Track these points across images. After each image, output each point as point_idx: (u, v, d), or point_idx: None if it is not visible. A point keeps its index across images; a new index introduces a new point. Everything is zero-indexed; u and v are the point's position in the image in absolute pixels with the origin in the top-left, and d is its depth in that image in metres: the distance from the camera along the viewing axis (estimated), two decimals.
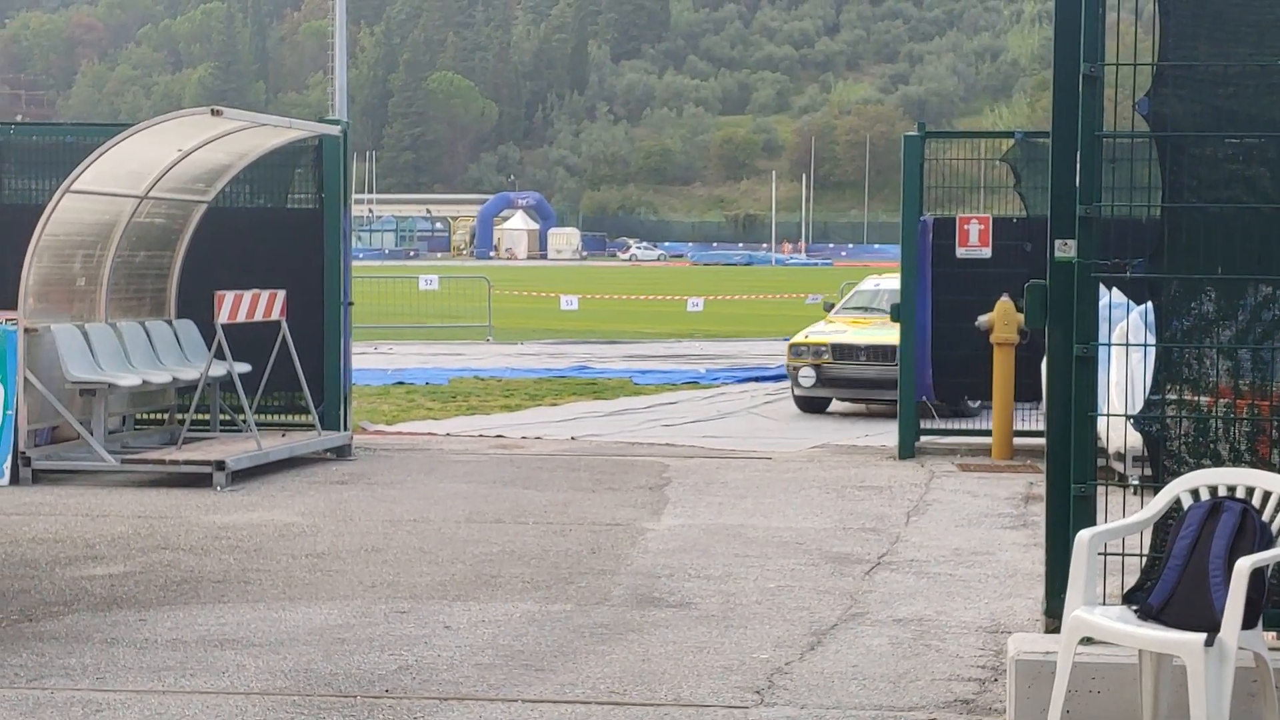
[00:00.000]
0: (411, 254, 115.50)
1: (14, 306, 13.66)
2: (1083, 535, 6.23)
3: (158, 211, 15.13)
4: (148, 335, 15.02)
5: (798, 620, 8.91)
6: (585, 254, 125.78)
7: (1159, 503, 6.32)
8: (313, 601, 9.15)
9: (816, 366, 19.45)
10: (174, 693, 7.18)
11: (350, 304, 15.89)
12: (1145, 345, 6.68)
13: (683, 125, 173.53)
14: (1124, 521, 6.36)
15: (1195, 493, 6.26)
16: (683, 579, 9.98)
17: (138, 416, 15.66)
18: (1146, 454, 6.61)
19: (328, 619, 8.71)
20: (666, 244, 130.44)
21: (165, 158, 14.41)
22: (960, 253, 15.93)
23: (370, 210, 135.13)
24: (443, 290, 35.91)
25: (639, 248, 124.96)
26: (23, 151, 15.98)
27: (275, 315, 14.56)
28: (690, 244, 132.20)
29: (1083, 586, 6.17)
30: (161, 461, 13.74)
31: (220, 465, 13.44)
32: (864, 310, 20.82)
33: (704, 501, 12.96)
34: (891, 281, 19.40)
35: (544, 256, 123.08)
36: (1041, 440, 12.87)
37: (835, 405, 20.72)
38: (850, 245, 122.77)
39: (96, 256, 14.61)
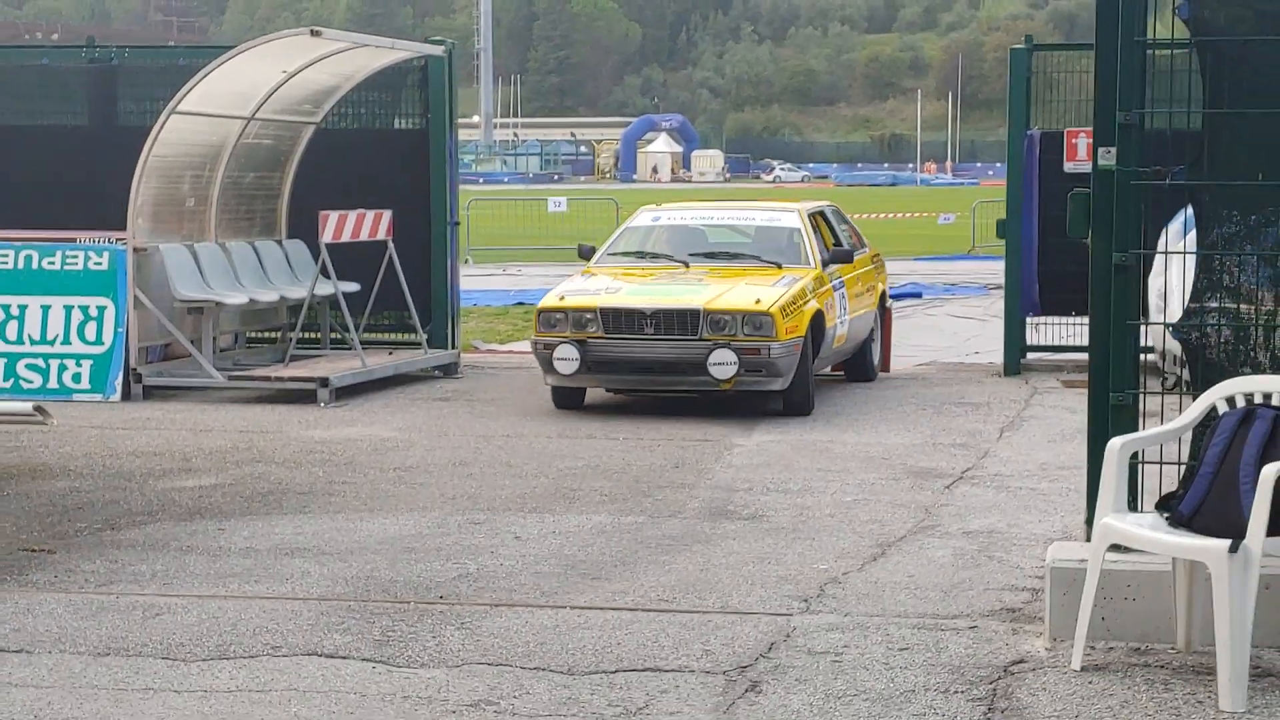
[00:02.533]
0: (556, 178, 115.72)
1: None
2: (1113, 443, 6.21)
3: (266, 133, 15.37)
4: (257, 255, 15.30)
5: (866, 533, 8.95)
6: (729, 176, 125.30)
7: (1194, 411, 6.28)
8: (391, 513, 9.34)
9: (580, 343, 12.74)
10: (234, 597, 7.39)
11: (456, 224, 16.06)
12: (1184, 253, 6.61)
13: (828, 44, 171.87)
14: (1157, 430, 6.33)
15: (1231, 400, 6.21)
16: (760, 493, 10.06)
17: (251, 335, 15.99)
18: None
19: (401, 529, 8.90)
20: (810, 165, 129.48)
21: (270, 79, 14.62)
22: (1068, 167, 15.70)
23: (515, 134, 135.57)
24: (571, 212, 36.06)
25: (783, 169, 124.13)
26: (136, 74, 16.30)
27: (381, 235, 14.76)
28: (835, 165, 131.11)
29: (1113, 494, 6.16)
30: (267, 378, 14.04)
31: (324, 382, 13.69)
32: (639, 257, 14.29)
33: (798, 418, 13.00)
34: (676, 214, 14.93)
35: (688, 179, 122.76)
36: (1150, 355, 12.82)
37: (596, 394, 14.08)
38: (998, 164, 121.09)
39: (205, 177, 14.88)
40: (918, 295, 25.45)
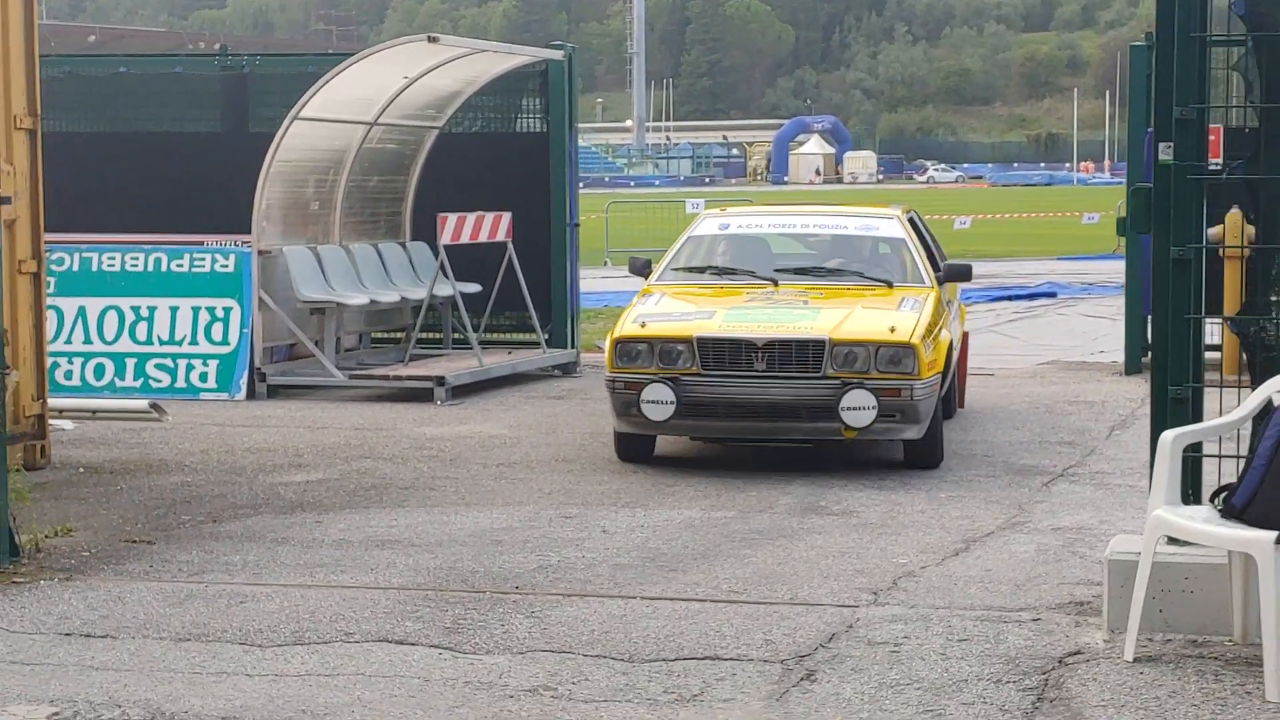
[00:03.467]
0: (708, 180, 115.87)
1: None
2: (1166, 435, 6.23)
3: (389, 137, 15.69)
4: (380, 257, 15.62)
5: (954, 529, 9.00)
6: (882, 177, 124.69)
7: (1250, 403, 6.29)
8: (486, 507, 9.55)
9: (673, 381, 10.34)
10: (318, 586, 7.63)
11: (576, 225, 16.27)
12: (1242, 247, 6.60)
13: (983, 44, 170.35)
14: (1212, 423, 6.33)
15: None
16: (855, 489, 10.13)
17: (376, 335, 16.32)
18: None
19: (493, 523, 9.10)
20: (965, 165, 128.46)
21: (392, 85, 14.93)
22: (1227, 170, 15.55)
23: (668, 138, 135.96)
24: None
25: (936, 169, 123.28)
26: (267, 82, 16.71)
27: (501, 236, 15.00)
28: (989, 165, 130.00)
29: (1165, 486, 6.18)
30: (386, 377, 14.34)
31: (440, 381, 13.96)
32: (712, 273, 11.83)
33: None
34: (750, 220, 12.54)
35: (840, 180, 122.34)
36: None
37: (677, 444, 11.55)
38: None
39: (330, 181, 15.23)
40: (1052, 295, 25.27)
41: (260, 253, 14.22)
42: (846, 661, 6.48)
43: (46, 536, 8.47)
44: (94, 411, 12.15)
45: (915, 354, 10.36)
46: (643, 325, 10.64)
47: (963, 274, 12.22)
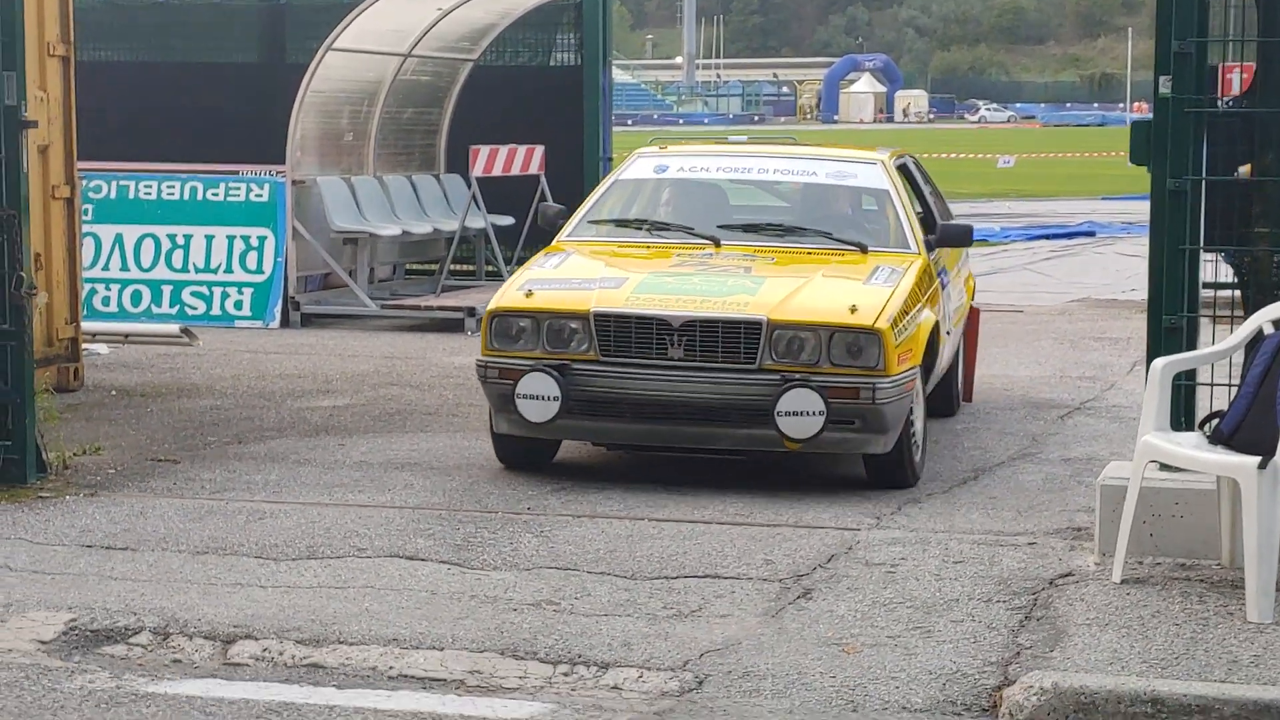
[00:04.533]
0: (757, 119, 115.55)
1: None
2: (1156, 363, 6.36)
3: (424, 69, 15.83)
4: (414, 189, 15.78)
5: (966, 459, 9.13)
6: (933, 116, 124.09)
7: (1241, 333, 6.40)
8: None
9: (559, 369, 8.12)
10: (335, 505, 7.83)
11: (609, 159, 16.38)
12: (1237, 179, 6.70)
13: None
14: (1201, 351, 6.45)
15: (1277, 323, 6.31)
16: None
17: (410, 267, 16.50)
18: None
19: None
20: (1017, 105, 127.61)
21: (426, 17, 15.06)
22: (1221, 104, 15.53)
23: (718, 75, 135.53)
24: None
25: (988, 109, 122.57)
26: (303, 13, 16.85)
27: (533, 169, 15.13)
28: (1042, 105, 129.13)
29: (1154, 413, 6.30)
30: (417, 307, 14.53)
31: (471, 311, 14.13)
32: (637, 228, 9.41)
33: None
34: (694, 162, 9.80)
35: (890, 119, 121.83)
36: None
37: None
38: None
39: (364, 113, 15.39)
40: (1091, 234, 25.27)
41: (295, 183, 14.39)
42: (843, 581, 6.64)
43: (74, 455, 8.69)
44: (126, 335, 12.37)
45: (881, 342, 7.97)
46: (528, 294, 8.29)
47: (960, 237, 9.50)
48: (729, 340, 8.08)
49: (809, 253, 9.06)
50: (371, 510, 7.72)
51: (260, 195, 14.57)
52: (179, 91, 16.57)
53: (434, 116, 16.26)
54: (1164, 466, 6.46)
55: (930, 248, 9.27)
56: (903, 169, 10.02)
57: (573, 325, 8.20)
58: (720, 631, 6.05)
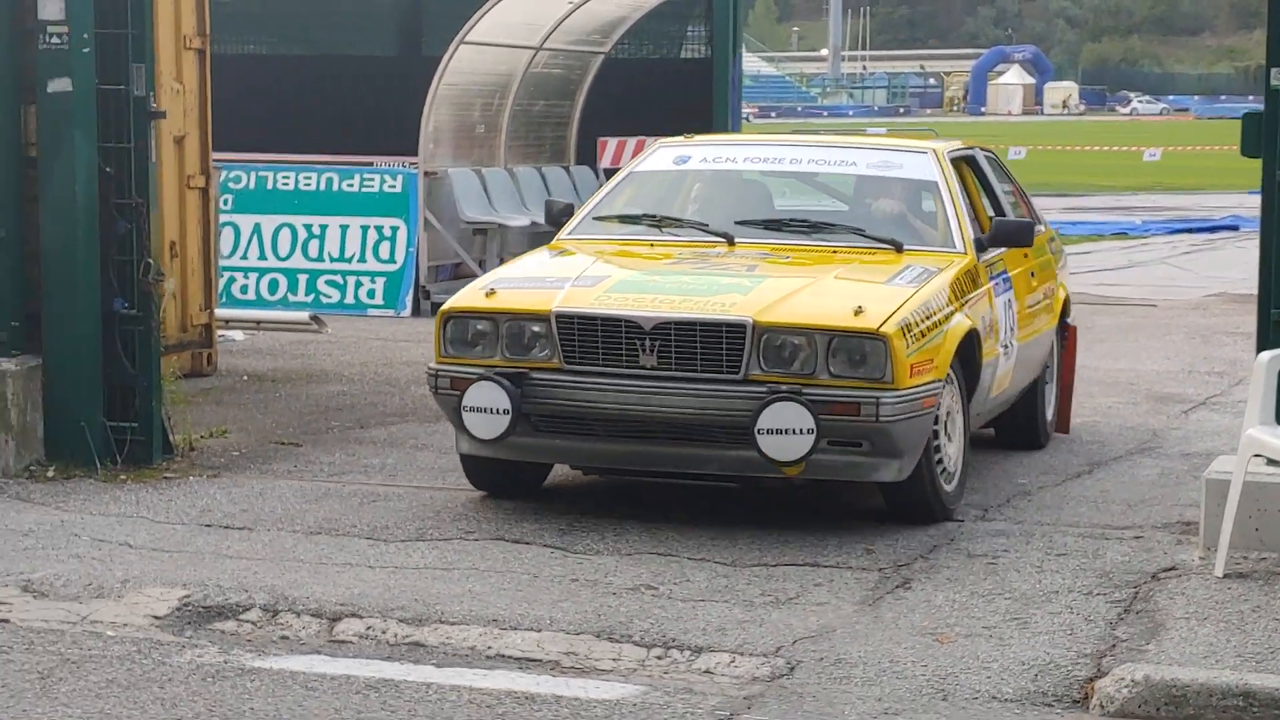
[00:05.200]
0: (902, 111, 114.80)
1: None
2: (1262, 357, 6.32)
3: (555, 62, 15.99)
4: (544, 180, 15.95)
5: (1082, 452, 9.10)
6: (1084, 108, 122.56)
7: None
8: None
9: (512, 378, 7.17)
10: (448, 489, 7.97)
11: None
12: None
13: None
14: None
15: None
16: None
17: None
18: None
19: None
20: (1170, 97, 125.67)
21: (558, 10, 15.21)
22: None
23: (864, 67, 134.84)
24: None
25: (1140, 101, 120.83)
26: (440, 6, 17.08)
27: None
28: (1195, 97, 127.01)
29: (1259, 406, 6.26)
30: None
31: None
32: (649, 225, 8.32)
33: None
34: (718, 152, 8.76)
35: (1039, 111, 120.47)
36: None
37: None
38: None
39: (495, 105, 15.58)
40: (1234, 228, 24.92)
41: (426, 174, 14.61)
42: (943, 571, 6.67)
43: (201, 437, 8.92)
44: (258, 322, 12.65)
45: (887, 349, 6.91)
46: (489, 294, 7.39)
47: (1018, 236, 8.31)
48: (709, 346, 7.00)
49: (834, 251, 7.92)
50: (476, 494, 7.85)
51: (393, 186, 14.80)
52: (317, 84, 16.87)
53: (565, 109, 16.41)
54: (1270, 461, 6.41)
55: (982, 247, 8.15)
56: (968, 161, 8.92)
57: (534, 328, 7.21)
58: (816, 619, 6.10)
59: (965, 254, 7.98)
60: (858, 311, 6.99)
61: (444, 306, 7.53)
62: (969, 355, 7.61)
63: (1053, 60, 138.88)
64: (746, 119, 57.61)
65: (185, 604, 6.22)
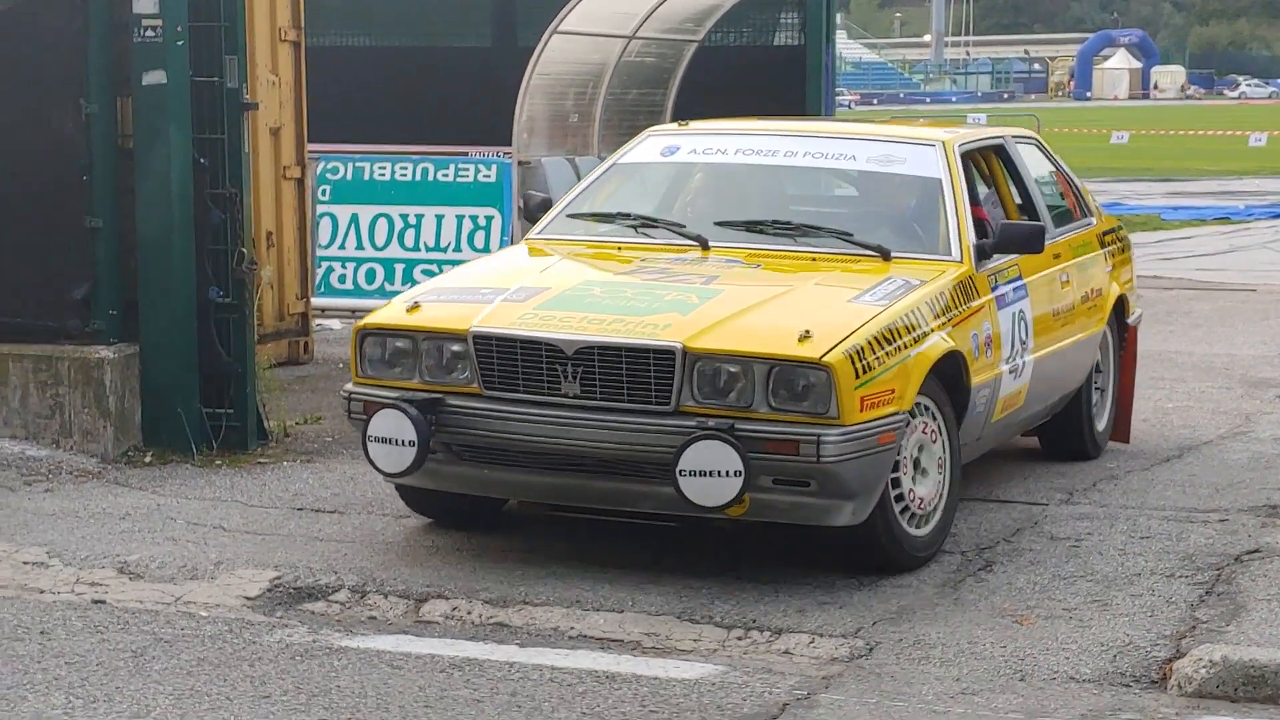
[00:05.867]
0: (1006, 96, 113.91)
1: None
2: None
3: (648, 51, 16.03)
4: None
5: (1174, 438, 9.05)
6: (1192, 91, 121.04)
7: None
8: None
9: (423, 405, 6.46)
10: None
11: None
12: None
13: None
14: None
15: None
16: None
17: None
18: None
19: None
20: (1279, 81, 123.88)
21: None
22: None
23: (967, 53, 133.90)
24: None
25: (1249, 85, 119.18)
26: None
27: None
28: None
29: None
30: None
31: None
32: (626, 224, 7.59)
33: (1155, 329, 12.92)
34: (711, 142, 7.94)
35: (1145, 96, 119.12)
36: None
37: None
38: None
39: (589, 94, 15.64)
40: None
41: (520, 163, 14.70)
42: (1025, 554, 6.69)
43: (296, 424, 9.06)
44: (354, 311, 12.79)
45: (831, 380, 6.10)
46: (412, 308, 6.74)
47: (1026, 242, 7.32)
48: (636, 373, 6.25)
49: (813, 259, 7.13)
50: None
51: (488, 176, 14.91)
52: (412, 75, 17.01)
53: (658, 98, 16.45)
54: None
55: (984, 254, 7.24)
56: (996, 151, 8.12)
57: (454, 348, 6.51)
58: (896, 601, 6.14)
59: (962, 263, 7.11)
60: (803, 337, 6.18)
61: (360, 321, 6.84)
62: (955, 379, 6.76)
63: (1159, 44, 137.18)
64: (848, 106, 57.42)
65: (276, 585, 6.35)
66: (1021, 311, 7.45)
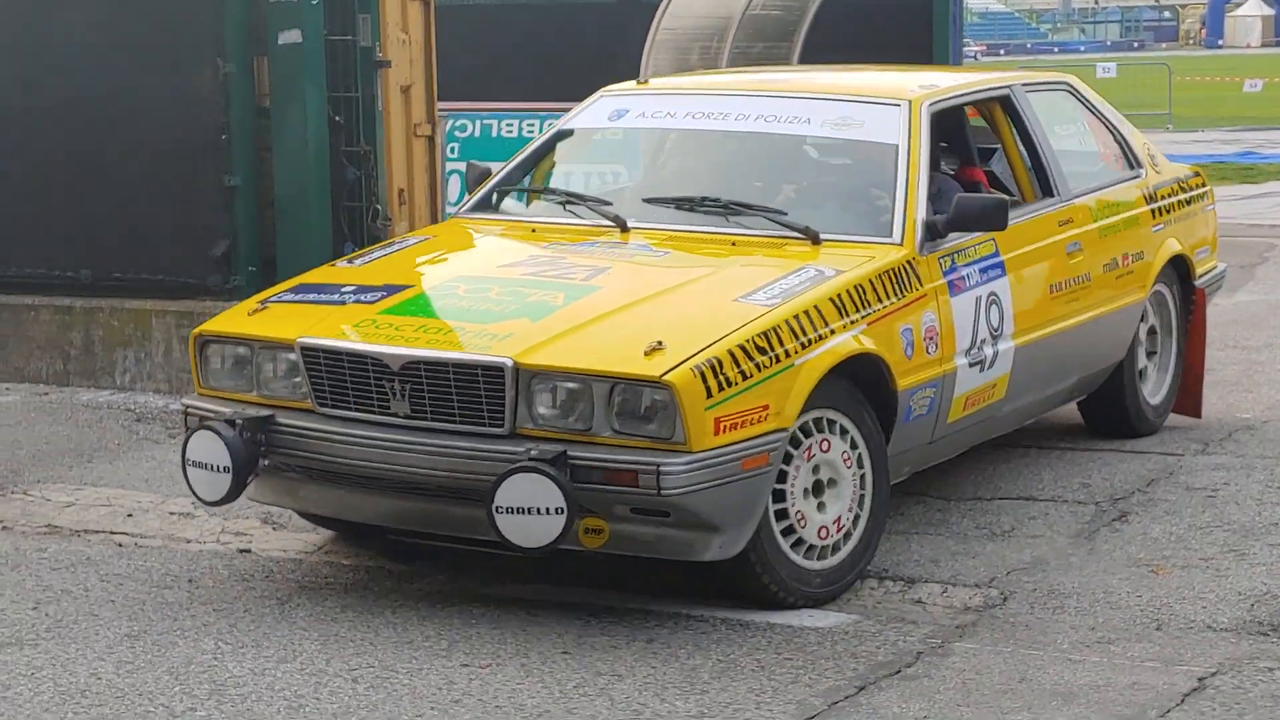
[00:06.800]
0: (1136, 45, 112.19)
1: None
2: None
3: (773, 4, 16.00)
4: None
5: None
6: None
7: None
8: None
9: (250, 424, 5.79)
10: None
11: None
12: None
13: None
14: None
15: None
16: (1218, 348, 10.06)
17: None
18: None
19: None
20: None
21: None
22: None
23: (1096, 2, 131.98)
24: (1120, 79, 35.28)
25: None
26: None
27: None
28: None
29: None
30: None
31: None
32: (560, 201, 6.82)
33: None
34: (660, 105, 7.21)
35: (1278, 43, 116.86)
36: None
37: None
38: None
39: (714, 49, 15.65)
40: None
41: None
42: (1160, 505, 6.66)
43: None
44: None
45: (675, 401, 5.29)
46: (255, 311, 6.14)
47: (985, 217, 6.31)
48: (466, 392, 5.53)
49: (733, 243, 6.28)
50: None
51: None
52: (538, 31, 17.09)
53: (783, 51, 16.41)
54: None
55: (936, 233, 6.26)
56: (1002, 103, 7.20)
57: (290, 359, 5.86)
58: (1030, 551, 6.15)
59: (901, 245, 6.17)
60: (651, 350, 5.37)
61: (200, 325, 6.19)
62: (879, 379, 5.92)
63: None
64: (975, 57, 56.87)
65: None
66: (993, 294, 6.50)
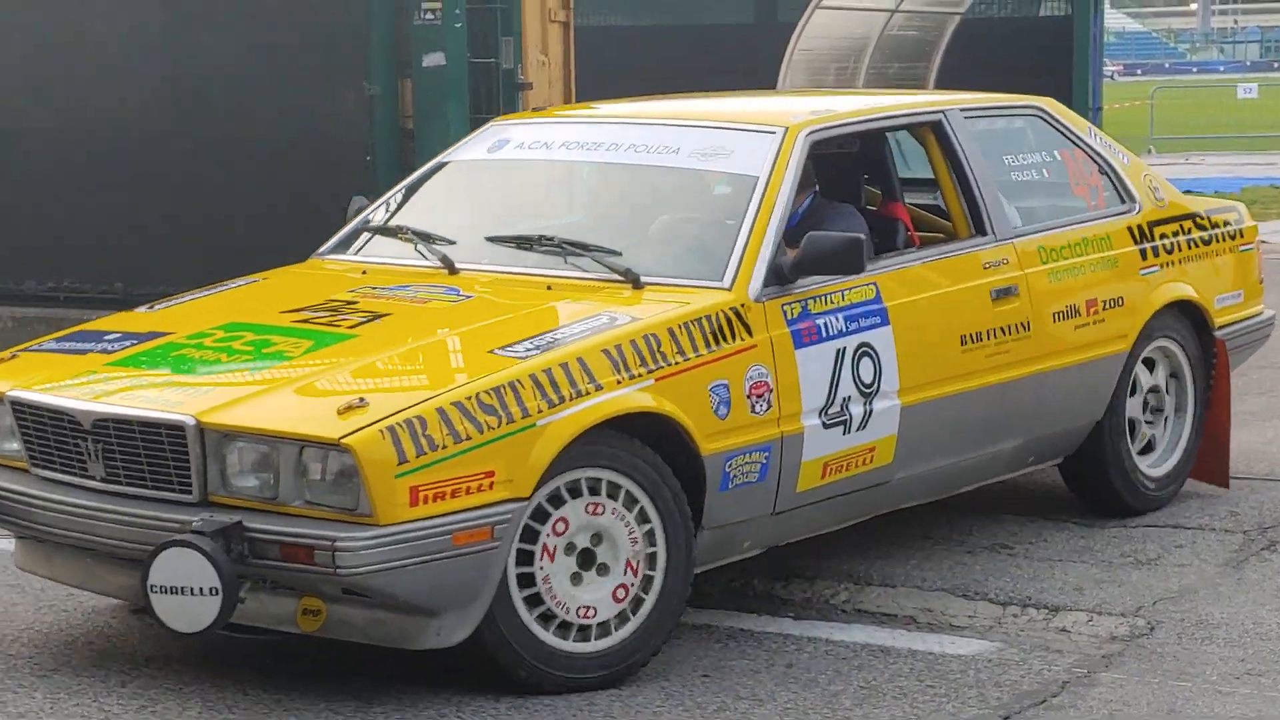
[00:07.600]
0: (1277, 65, 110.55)
1: None
2: None
3: (911, 24, 15.97)
4: (898, 145, 15.93)
5: None
6: None
7: None
8: None
9: None
10: None
11: (1099, 109, 16.19)
12: None
13: None
14: None
15: None
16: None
17: None
18: None
19: None
20: None
21: None
22: None
23: (1235, 21, 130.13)
24: (1263, 100, 34.85)
25: None
26: None
27: None
28: None
29: None
30: None
31: None
32: (408, 239, 6.27)
33: None
34: (539, 134, 6.61)
35: None
36: None
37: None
38: None
39: (850, 69, 15.64)
40: None
41: None
42: None
43: None
44: None
45: (357, 468, 4.68)
46: (7, 359, 5.76)
47: (835, 258, 5.57)
48: (154, 453, 5.00)
49: (548, 285, 5.70)
50: None
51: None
52: (675, 53, 17.19)
53: (920, 71, 16.37)
54: None
55: (779, 278, 5.56)
56: (934, 129, 6.50)
57: (12, 413, 5.37)
58: (1177, 580, 6.06)
59: (730, 290, 5.48)
60: (347, 409, 4.79)
61: None
62: (682, 445, 5.27)
63: None
64: (1111, 78, 56.36)
65: None
66: (865, 345, 5.77)
